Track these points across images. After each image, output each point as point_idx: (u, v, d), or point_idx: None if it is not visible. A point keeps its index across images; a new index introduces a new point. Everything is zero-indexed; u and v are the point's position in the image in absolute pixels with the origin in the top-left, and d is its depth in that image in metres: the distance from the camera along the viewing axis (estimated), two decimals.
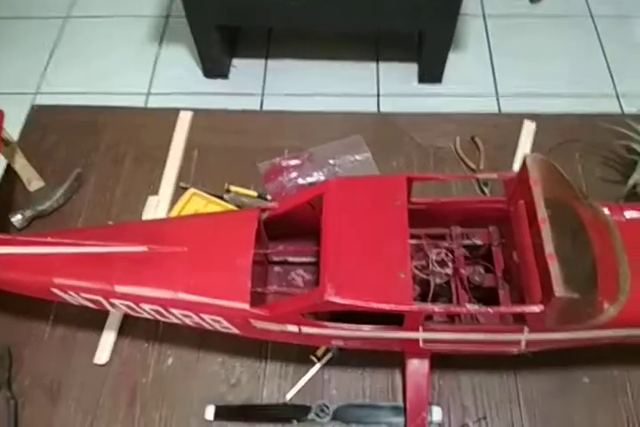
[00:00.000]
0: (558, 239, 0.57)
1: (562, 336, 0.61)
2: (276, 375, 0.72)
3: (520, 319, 0.60)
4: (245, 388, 0.71)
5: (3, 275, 0.65)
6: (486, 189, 0.89)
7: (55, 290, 0.65)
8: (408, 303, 0.56)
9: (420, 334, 0.60)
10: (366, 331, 0.61)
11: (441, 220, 0.72)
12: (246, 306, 0.61)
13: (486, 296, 0.68)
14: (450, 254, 0.68)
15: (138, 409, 0.70)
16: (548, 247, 0.55)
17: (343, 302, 0.57)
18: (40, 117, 1.01)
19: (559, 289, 0.53)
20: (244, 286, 0.62)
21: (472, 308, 0.57)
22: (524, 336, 0.60)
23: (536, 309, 0.55)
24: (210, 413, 0.68)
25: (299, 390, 0.70)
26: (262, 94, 1.71)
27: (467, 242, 0.70)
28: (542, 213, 0.58)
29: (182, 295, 0.62)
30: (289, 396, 0.70)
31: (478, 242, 0.70)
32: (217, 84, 1.76)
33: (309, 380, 0.71)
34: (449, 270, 0.67)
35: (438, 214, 0.71)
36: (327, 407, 0.68)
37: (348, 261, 0.60)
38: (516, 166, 0.91)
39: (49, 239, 0.65)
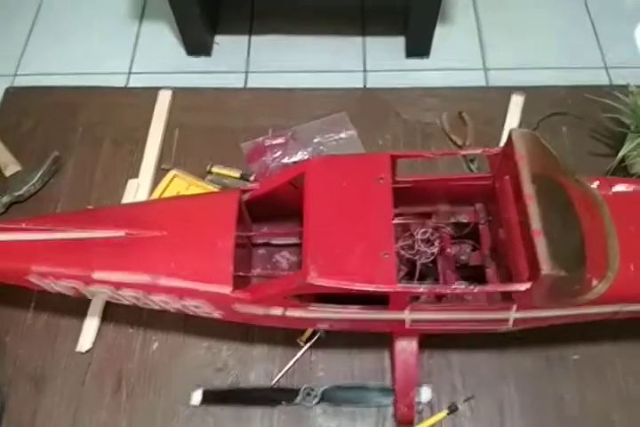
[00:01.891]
0: (545, 215, 0.55)
1: (550, 314, 0.60)
2: (263, 359, 0.71)
3: (508, 297, 0.59)
4: (232, 372, 0.70)
5: None
6: (473, 166, 0.87)
7: (32, 278, 0.63)
8: (392, 284, 0.55)
9: (406, 315, 0.59)
10: (351, 313, 0.60)
11: (427, 198, 0.71)
12: (228, 290, 0.60)
13: (473, 275, 0.67)
14: (436, 233, 0.67)
15: (124, 395, 0.69)
16: (535, 223, 0.54)
17: (326, 285, 0.56)
18: (16, 100, 0.98)
19: (546, 267, 0.52)
20: (227, 269, 0.60)
21: (458, 287, 0.56)
22: (512, 314, 0.59)
23: (523, 287, 0.54)
24: (197, 397, 0.67)
25: (286, 373, 0.70)
26: (246, 71, 1.67)
27: (452, 220, 0.69)
28: (528, 188, 0.57)
29: (163, 280, 0.60)
30: (276, 379, 0.69)
31: (464, 220, 0.68)
32: (200, 62, 1.70)
33: (297, 362, 0.70)
34: (435, 249, 0.66)
35: (424, 193, 0.69)
36: (313, 390, 0.67)
37: (330, 243, 0.58)
38: (504, 141, 0.89)
39: (24, 226, 0.63)
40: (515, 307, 0.58)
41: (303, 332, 0.71)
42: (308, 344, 0.71)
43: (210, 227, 0.63)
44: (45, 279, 0.63)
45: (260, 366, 0.71)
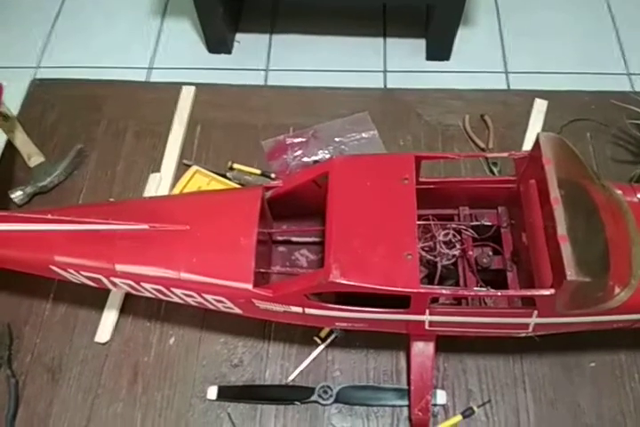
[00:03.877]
0: (570, 220, 0.55)
1: (571, 320, 0.59)
2: (279, 356, 0.71)
3: (529, 302, 0.59)
4: (248, 368, 0.70)
5: (2, 252, 0.64)
6: (495, 169, 0.87)
7: (55, 268, 0.64)
8: (415, 286, 0.55)
9: (427, 317, 0.59)
10: (371, 313, 0.60)
11: (449, 200, 0.70)
12: (249, 286, 0.60)
13: (494, 278, 0.66)
14: (457, 236, 0.67)
15: (140, 388, 0.69)
16: (561, 228, 0.54)
17: (348, 284, 0.55)
18: (40, 92, 0.98)
19: (571, 272, 0.51)
20: (248, 265, 0.60)
21: (481, 291, 0.55)
22: (533, 320, 0.58)
23: (547, 292, 0.54)
24: (212, 393, 0.67)
25: (302, 372, 0.70)
26: (266, 69, 1.67)
27: (475, 223, 0.68)
28: (555, 192, 0.56)
29: (184, 275, 0.61)
30: (291, 377, 0.69)
31: (487, 223, 0.68)
32: (220, 60, 1.72)
33: (313, 361, 0.70)
34: (456, 252, 0.66)
35: (446, 194, 0.69)
36: (330, 389, 0.67)
37: (353, 242, 0.58)
38: (527, 146, 0.89)
39: (49, 216, 0.64)
40: (536, 312, 0.57)
41: (320, 330, 0.71)
42: (325, 344, 0.71)
43: (232, 223, 0.64)
44: (68, 270, 0.63)
45: (275, 364, 0.71)
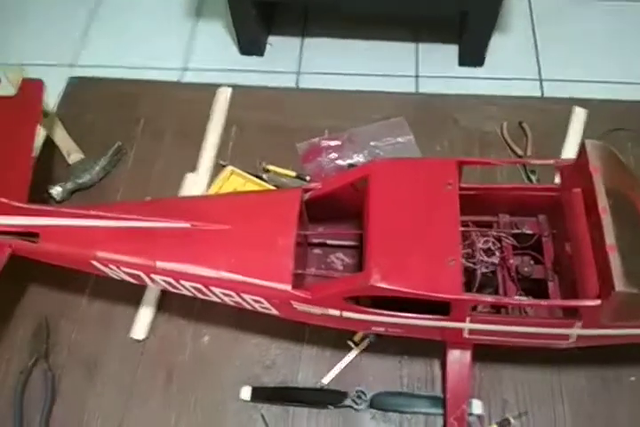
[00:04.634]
0: (618, 230, 0.54)
1: (614, 332, 0.58)
2: (313, 359, 0.71)
3: (570, 313, 0.58)
4: (281, 370, 0.70)
5: (46, 246, 0.65)
6: (533, 177, 0.86)
7: (96, 263, 0.64)
8: (457, 292, 0.54)
9: (467, 325, 0.58)
10: (410, 319, 0.59)
11: (488, 207, 0.69)
12: (288, 287, 0.60)
13: (533, 288, 0.65)
14: (497, 243, 0.66)
15: (174, 387, 0.70)
16: (609, 238, 0.53)
17: (389, 288, 0.55)
18: (79, 89, 1.00)
19: (619, 283, 0.50)
20: (287, 267, 0.61)
21: (525, 300, 0.55)
22: (576, 331, 0.57)
23: (593, 303, 0.53)
24: (246, 393, 0.67)
25: (335, 376, 0.69)
26: (298, 73, 1.68)
27: (516, 231, 0.67)
28: (603, 202, 0.55)
29: (224, 274, 0.61)
30: (325, 380, 0.69)
31: (528, 231, 0.67)
32: (252, 62, 1.72)
33: (346, 365, 0.70)
34: (495, 260, 0.65)
35: (486, 201, 0.68)
36: (364, 394, 0.66)
37: (394, 246, 0.58)
38: (566, 154, 0.88)
39: (92, 212, 0.64)
40: (579, 323, 0.56)
41: (354, 334, 0.71)
42: (360, 348, 0.70)
43: (272, 224, 0.64)
44: (109, 266, 0.64)
45: (308, 367, 0.70)
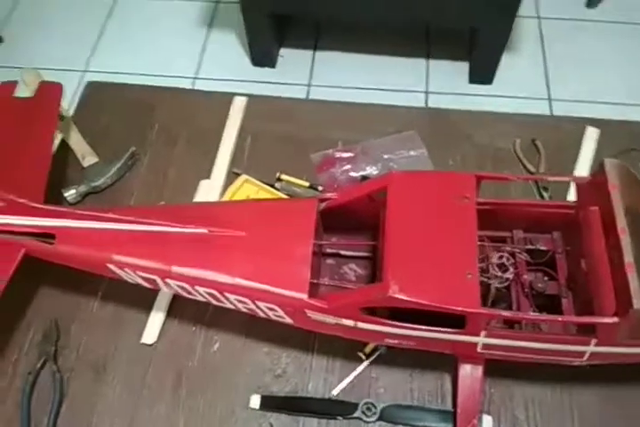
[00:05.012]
0: (636, 249, 0.54)
1: (629, 351, 0.58)
2: (323, 369, 0.70)
3: (585, 330, 0.58)
4: (291, 379, 0.70)
5: (62, 248, 0.65)
6: (546, 194, 0.86)
7: (112, 266, 0.64)
8: (475, 306, 0.54)
9: (482, 339, 0.58)
10: (426, 332, 0.59)
11: (503, 222, 0.70)
12: (304, 296, 0.60)
13: (546, 304, 0.65)
14: (511, 259, 0.66)
15: (183, 392, 0.69)
16: (628, 257, 0.53)
17: (406, 300, 0.55)
18: (95, 94, 1.00)
19: (638, 301, 0.51)
20: (304, 275, 0.61)
21: (542, 315, 0.55)
22: (590, 348, 0.57)
23: (610, 320, 0.53)
24: (255, 402, 0.67)
25: (345, 387, 0.69)
26: (309, 85, 1.70)
27: (530, 247, 0.68)
28: (622, 220, 0.56)
29: (240, 281, 0.61)
30: (335, 391, 0.68)
31: (543, 248, 0.67)
32: (264, 73, 1.75)
33: (356, 377, 0.69)
34: (509, 275, 0.65)
35: (501, 216, 0.69)
36: (374, 406, 0.66)
37: (412, 258, 0.58)
38: (578, 172, 0.88)
39: (109, 215, 0.65)
40: (594, 341, 0.56)
41: (364, 345, 0.71)
42: (370, 360, 0.70)
43: (289, 232, 0.64)
44: (125, 269, 0.64)
45: (318, 377, 0.70)
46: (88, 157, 0.90)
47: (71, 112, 0.95)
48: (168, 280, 0.63)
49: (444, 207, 0.61)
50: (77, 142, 0.91)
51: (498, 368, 0.66)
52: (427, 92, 1.64)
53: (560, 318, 0.55)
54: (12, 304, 0.73)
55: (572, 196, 0.82)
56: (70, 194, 0.85)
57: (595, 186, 0.62)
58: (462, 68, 1.70)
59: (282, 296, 0.60)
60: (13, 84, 0.87)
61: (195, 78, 1.72)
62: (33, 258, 0.69)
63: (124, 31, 1.85)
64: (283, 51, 1.76)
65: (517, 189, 0.86)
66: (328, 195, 0.69)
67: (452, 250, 0.58)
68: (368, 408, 0.66)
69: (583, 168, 0.89)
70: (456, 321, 0.58)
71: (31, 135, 0.79)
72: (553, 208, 0.68)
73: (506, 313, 0.55)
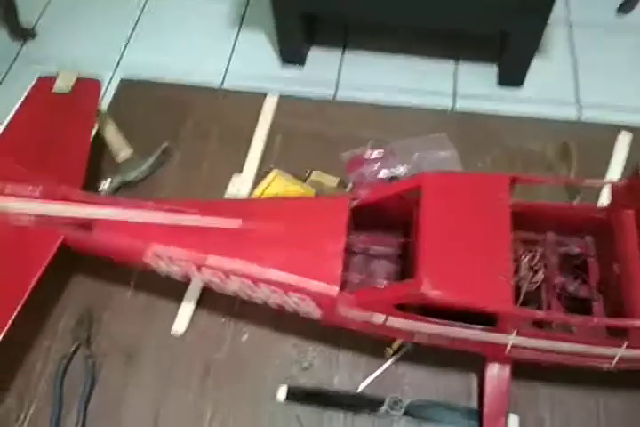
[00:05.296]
0: None
1: None
2: (349, 364, 0.71)
3: (615, 334, 0.58)
4: (317, 373, 0.71)
5: (100, 237, 0.67)
6: (577, 199, 0.86)
7: (148, 257, 0.66)
8: (509, 305, 0.54)
9: (513, 339, 0.58)
10: (457, 330, 0.59)
11: (535, 224, 0.70)
12: (336, 290, 0.60)
13: (576, 307, 0.65)
14: (543, 261, 0.66)
15: (211, 382, 0.70)
16: None
17: (441, 297, 0.56)
18: (129, 90, 1.02)
19: None
20: (336, 270, 0.61)
21: (575, 317, 0.55)
22: (621, 352, 0.57)
23: None
24: (282, 393, 0.68)
25: (370, 382, 0.69)
26: (337, 84, 1.70)
27: (563, 249, 0.68)
28: None
29: (274, 273, 0.62)
30: (362, 385, 0.69)
31: (575, 251, 0.67)
32: (292, 72, 1.76)
33: (382, 373, 0.70)
34: (540, 277, 0.65)
35: (533, 218, 0.69)
36: (401, 402, 0.66)
37: (446, 256, 0.58)
38: (609, 177, 0.88)
39: (148, 205, 0.66)
40: (626, 344, 0.56)
41: (391, 342, 0.71)
42: (397, 356, 0.70)
43: (322, 228, 0.65)
44: (161, 260, 0.65)
45: (344, 371, 0.71)
46: (123, 151, 0.91)
47: (106, 108, 0.97)
48: (203, 271, 0.64)
49: (479, 208, 0.62)
50: (112, 136, 0.93)
51: (524, 369, 0.66)
52: (454, 95, 1.64)
53: (595, 320, 0.55)
54: (47, 292, 0.75)
55: (603, 201, 0.82)
56: (104, 186, 0.86)
57: (630, 189, 0.62)
58: (490, 70, 1.70)
59: (313, 290, 0.61)
60: (52, 78, 0.89)
61: (223, 76, 1.74)
62: (68, 247, 0.70)
63: (156, 28, 1.88)
64: (312, 50, 1.77)
65: (547, 193, 0.86)
66: (360, 193, 0.70)
67: (485, 250, 0.58)
68: (395, 403, 0.66)
69: (615, 173, 0.88)
70: (485, 321, 0.58)
71: (70, 128, 0.81)
72: (585, 212, 0.68)
73: (539, 313, 0.55)
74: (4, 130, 0.80)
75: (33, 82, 0.88)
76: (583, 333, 0.62)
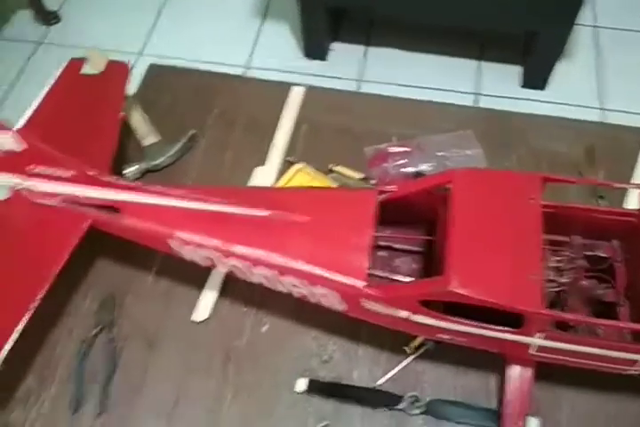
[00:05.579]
0: None
1: None
2: (369, 359, 0.71)
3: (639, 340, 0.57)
4: (337, 367, 0.70)
5: (126, 221, 0.67)
6: (602, 202, 0.85)
7: (174, 242, 0.66)
8: (537, 306, 0.54)
9: (539, 341, 0.58)
10: (482, 329, 0.59)
11: (562, 226, 0.69)
12: (363, 284, 0.60)
13: (601, 311, 0.65)
14: (568, 264, 0.66)
15: (231, 370, 0.70)
16: None
17: (467, 295, 0.55)
18: (156, 77, 1.02)
19: None
20: (363, 264, 0.61)
21: (603, 320, 0.54)
22: None
23: None
24: (301, 385, 0.68)
25: (389, 378, 0.69)
26: (359, 80, 1.70)
27: (590, 253, 0.67)
28: None
29: (300, 264, 0.62)
30: (380, 382, 0.69)
31: (603, 255, 0.67)
32: (315, 65, 1.76)
33: (401, 369, 0.70)
34: (567, 280, 0.65)
35: (560, 220, 0.68)
36: (419, 400, 0.66)
37: (475, 254, 0.58)
38: (635, 180, 0.87)
39: (176, 192, 0.66)
40: None
41: (412, 339, 0.71)
42: (417, 354, 0.70)
43: (349, 220, 0.65)
44: (185, 246, 0.65)
45: (364, 366, 0.71)
46: (149, 137, 0.92)
47: (134, 92, 0.97)
48: (228, 259, 0.64)
49: (510, 206, 0.61)
50: (139, 122, 0.93)
51: (546, 372, 0.65)
52: (476, 94, 1.63)
53: (621, 324, 0.54)
54: (71, 274, 0.75)
55: (628, 205, 0.81)
56: (130, 171, 0.87)
57: None
58: (514, 71, 1.69)
59: (339, 283, 0.61)
60: (81, 60, 0.90)
61: (246, 67, 1.74)
62: (93, 230, 0.70)
63: (180, 18, 1.88)
64: (335, 45, 1.77)
65: (573, 195, 0.85)
66: (388, 187, 0.70)
67: (515, 249, 0.58)
68: (414, 401, 0.66)
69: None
70: (510, 321, 0.58)
71: (99, 111, 0.81)
72: (614, 215, 0.67)
73: (568, 316, 0.54)
74: (35, 111, 0.80)
75: (64, 63, 0.89)
76: (608, 337, 0.61)
